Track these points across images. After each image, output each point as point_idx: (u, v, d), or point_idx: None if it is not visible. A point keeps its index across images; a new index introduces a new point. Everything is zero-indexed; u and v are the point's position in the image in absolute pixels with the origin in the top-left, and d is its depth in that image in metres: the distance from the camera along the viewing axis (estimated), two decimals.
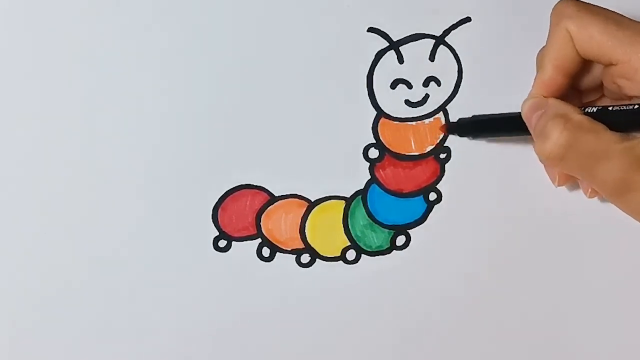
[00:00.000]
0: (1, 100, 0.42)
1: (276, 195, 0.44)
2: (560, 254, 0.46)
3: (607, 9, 0.37)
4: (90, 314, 0.44)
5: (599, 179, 0.35)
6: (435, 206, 0.45)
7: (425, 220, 0.45)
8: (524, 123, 0.39)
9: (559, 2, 0.38)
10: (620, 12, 0.37)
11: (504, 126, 0.42)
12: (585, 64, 0.38)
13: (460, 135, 0.44)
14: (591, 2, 0.38)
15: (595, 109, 0.36)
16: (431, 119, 0.44)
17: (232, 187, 0.44)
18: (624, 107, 0.35)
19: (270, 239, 0.44)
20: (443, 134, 0.44)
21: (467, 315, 0.46)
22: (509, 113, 0.41)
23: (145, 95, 0.43)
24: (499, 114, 0.43)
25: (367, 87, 0.44)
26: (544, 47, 0.39)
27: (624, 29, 0.35)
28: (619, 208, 0.36)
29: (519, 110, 0.40)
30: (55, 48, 0.42)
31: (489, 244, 0.45)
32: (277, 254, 0.44)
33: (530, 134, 0.39)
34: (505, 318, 0.46)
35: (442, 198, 0.45)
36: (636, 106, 0.34)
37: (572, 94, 0.40)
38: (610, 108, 0.36)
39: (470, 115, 0.44)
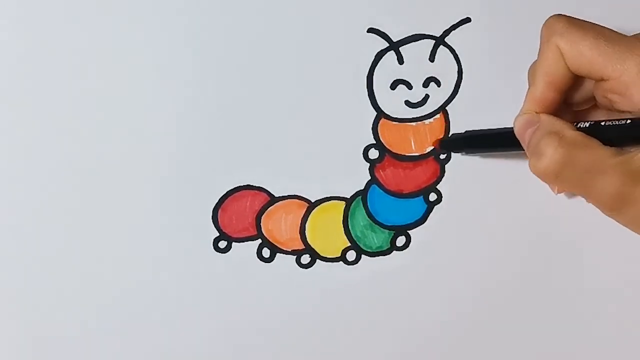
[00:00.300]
0: (1, 100, 0.42)
1: (276, 195, 0.44)
2: (560, 255, 0.46)
3: (598, 25, 0.37)
4: (90, 314, 0.44)
5: (594, 194, 0.35)
6: (436, 207, 0.45)
7: (426, 220, 0.45)
8: (517, 139, 0.39)
9: (549, 18, 0.38)
10: (611, 28, 0.37)
11: (497, 142, 0.42)
12: (576, 79, 0.38)
13: (453, 152, 0.44)
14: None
15: (588, 124, 0.36)
16: (431, 120, 0.44)
17: (232, 187, 0.44)
18: (617, 123, 0.35)
19: (270, 240, 0.44)
20: (443, 135, 0.44)
21: (467, 316, 0.46)
22: (502, 128, 0.41)
23: (144, 95, 0.43)
24: (492, 129, 0.42)
25: (367, 87, 0.44)
26: (535, 62, 0.39)
27: (615, 44, 0.35)
28: (616, 221, 0.36)
29: (512, 125, 0.40)
30: (55, 48, 0.42)
31: (489, 245, 0.45)
32: (277, 254, 0.44)
33: (523, 150, 0.39)
34: (505, 318, 0.46)
35: (442, 198, 0.45)
36: (628, 121, 0.34)
37: (564, 107, 0.40)
38: (602, 123, 0.35)
39: (464, 131, 0.44)
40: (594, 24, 0.37)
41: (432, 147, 0.44)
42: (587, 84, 0.39)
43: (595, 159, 0.34)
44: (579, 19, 0.37)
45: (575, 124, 0.37)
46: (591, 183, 0.34)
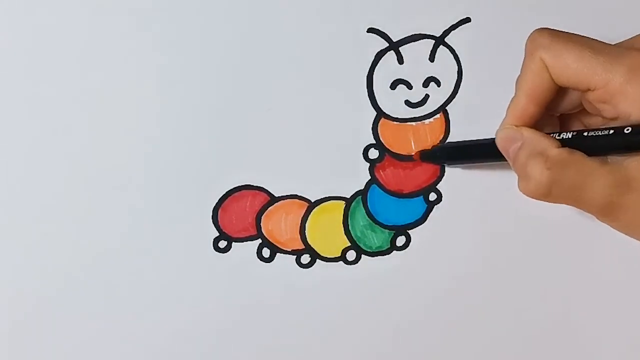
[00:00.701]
0: (1, 100, 0.42)
1: (276, 195, 0.44)
2: (559, 254, 0.46)
3: (582, 36, 0.37)
4: (90, 315, 0.44)
5: (586, 205, 0.35)
6: (435, 206, 0.45)
7: (425, 220, 0.45)
8: (498, 151, 0.39)
9: (533, 31, 0.38)
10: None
11: (478, 154, 0.42)
12: (560, 90, 0.38)
13: (434, 163, 0.44)
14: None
15: (571, 135, 0.36)
16: (431, 120, 0.44)
17: (232, 187, 0.44)
18: (599, 133, 0.35)
19: (270, 240, 0.44)
20: (443, 135, 0.44)
21: (466, 315, 0.46)
22: (482, 140, 0.41)
23: (145, 96, 0.43)
24: (473, 140, 0.43)
25: (367, 87, 0.44)
26: (519, 75, 0.39)
27: (600, 54, 0.35)
28: (609, 226, 0.36)
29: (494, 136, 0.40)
30: (55, 48, 0.42)
31: (489, 244, 0.45)
32: (277, 254, 0.44)
33: (505, 161, 0.39)
34: (505, 318, 0.46)
35: (442, 198, 0.45)
36: (611, 131, 0.35)
37: (546, 115, 0.40)
38: (585, 134, 0.36)
39: (443, 143, 0.44)
40: (579, 35, 0.37)
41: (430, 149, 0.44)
42: (571, 94, 0.39)
43: (583, 173, 0.35)
44: (562, 32, 0.37)
45: (558, 134, 0.37)
46: (582, 195, 0.35)
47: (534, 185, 0.36)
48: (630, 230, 0.36)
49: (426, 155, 0.44)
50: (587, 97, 0.37)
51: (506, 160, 0.39)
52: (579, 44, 0.36)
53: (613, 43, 0.37)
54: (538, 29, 0.38)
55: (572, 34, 0.37)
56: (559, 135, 0.37)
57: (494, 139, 0.39)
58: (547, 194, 0.36)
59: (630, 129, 0.34)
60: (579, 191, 0.35)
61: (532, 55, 0.37)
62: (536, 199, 0.36)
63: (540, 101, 0.38)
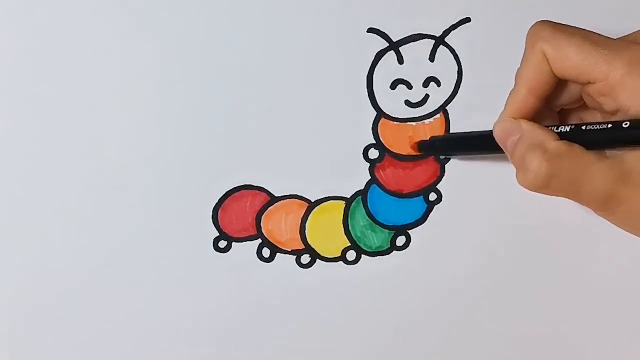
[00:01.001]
0: (1, 102, 0.42)
1: (276, 195, 0.44)
2: (559, 254, 0.46)
3: (583, 29, 0.37)
4: (91, 315, 0.44)
5: (584, 198, 0.36)
6: (435, 206, 0.45)
7: (425, 220, 0.45)
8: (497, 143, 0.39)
9: (534, 24, 0.38)
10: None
11: (476, 145, 0.42)
12: (559, 83, 0.38)
13: (431, 153, 0.44)
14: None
15: (569, 128, 0.36)
16: (431, 119, 0.44)
17: (232, 187, 0.44)
18: (598, 127, 0.35)
19: (270, 240, 0.44)
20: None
21: (466, 316, 0.46)
22: (481, 132, 0.41)
23: (145, 95, 0.43)
24: (472, 132, 0.43)
25: (367, 87, 0.44)
26: (519, 68, 0.39)
27: (601, 47, 0.35)
28: (607, 220, 0.36)
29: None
30: (55, 48, 0.42)
31: (489, 244, 0.45)
32: (277, 254, 0.44)
33: (503, 153, 0.39)
34: (505, 318, 0.46)
35: (442, 198, 0.45)
36: (609, 125, 0.35)
37: (545, 109, 0.40)
38: (583, 127, 0.36)
39: (445, 134, 0.44)
40: (580, 28, 0.37)
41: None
42: (571, 87, 0.39)
43: (581, 167, 0.35)
44: (564, 24, 0.37)
45: (556, 127, 0.37)
46: (580, 188, 0.35)
47: (532, 177, 0.36)
48: (627, 225, 0.36)
49: (423, 146, 0.44)
50: (587, 90, 0.37)
51: (503, 153, 0.39)
52: (580, 37, 0.36)
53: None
54: (539, 21, 0.38)
55: (573, 26, 0.37)
56: (557, 129, 0.37)
57: (491, 131, 0.39)
58: (545, 186, 0.36)
59: (628, 123, 0.34)
60: (577, 184, 0.35)
61: (533, 47, 0.37)
62: (534, 191, 0.36)
63: (540, 93, 0.38)
